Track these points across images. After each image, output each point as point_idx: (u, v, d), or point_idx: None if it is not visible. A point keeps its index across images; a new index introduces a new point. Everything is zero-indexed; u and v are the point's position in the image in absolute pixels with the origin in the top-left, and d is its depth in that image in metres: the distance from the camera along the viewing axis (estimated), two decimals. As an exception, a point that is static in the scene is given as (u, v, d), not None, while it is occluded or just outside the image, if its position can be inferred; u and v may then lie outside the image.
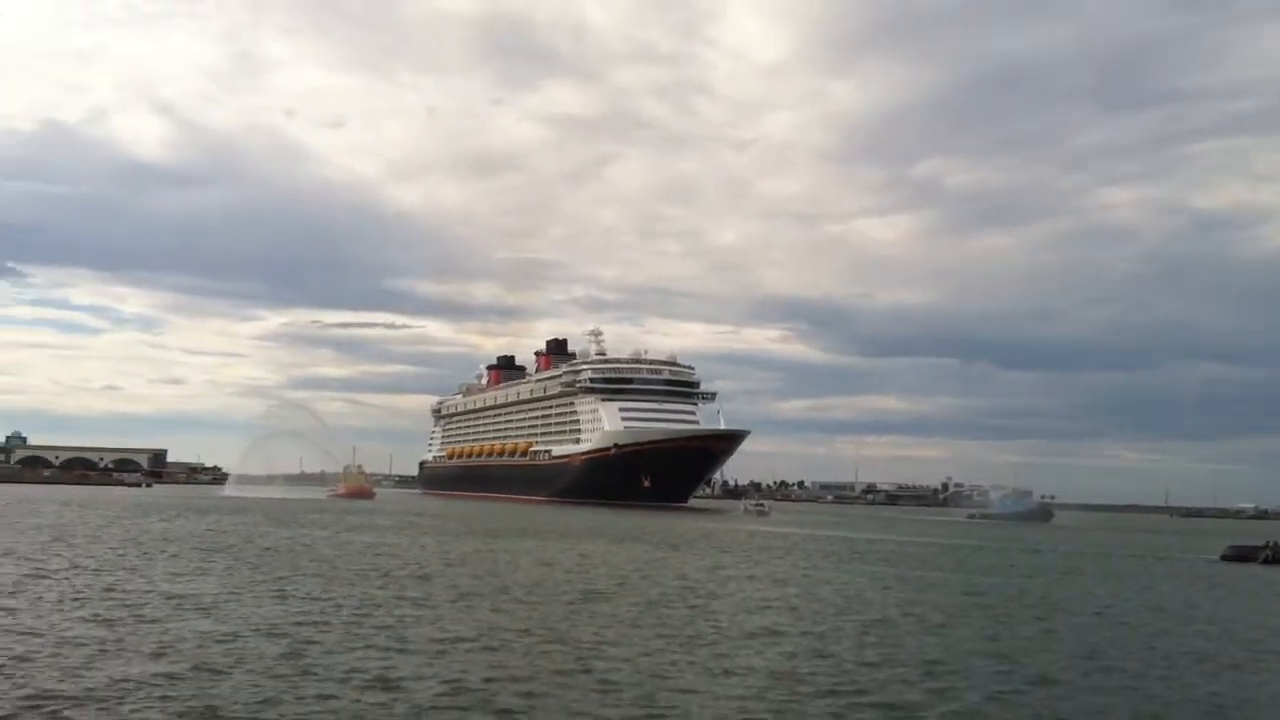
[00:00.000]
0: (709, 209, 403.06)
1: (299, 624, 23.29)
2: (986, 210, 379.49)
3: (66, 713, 14.58)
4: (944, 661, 21.32)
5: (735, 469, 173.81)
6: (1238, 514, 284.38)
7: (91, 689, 15.98)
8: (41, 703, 15.05)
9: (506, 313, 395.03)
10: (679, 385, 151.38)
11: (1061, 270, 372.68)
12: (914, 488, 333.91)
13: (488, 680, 17.77)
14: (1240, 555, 62.95)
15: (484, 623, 24.62)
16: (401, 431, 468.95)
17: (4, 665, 17.55)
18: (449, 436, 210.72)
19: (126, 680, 16.67)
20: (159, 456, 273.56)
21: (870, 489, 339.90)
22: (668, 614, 27.31)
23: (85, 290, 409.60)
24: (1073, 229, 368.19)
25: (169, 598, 27.27)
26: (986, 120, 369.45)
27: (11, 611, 23.91)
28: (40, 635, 20.82)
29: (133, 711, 14.72)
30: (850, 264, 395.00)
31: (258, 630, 22.20)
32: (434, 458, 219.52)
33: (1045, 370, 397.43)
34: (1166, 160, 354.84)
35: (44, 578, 31.53)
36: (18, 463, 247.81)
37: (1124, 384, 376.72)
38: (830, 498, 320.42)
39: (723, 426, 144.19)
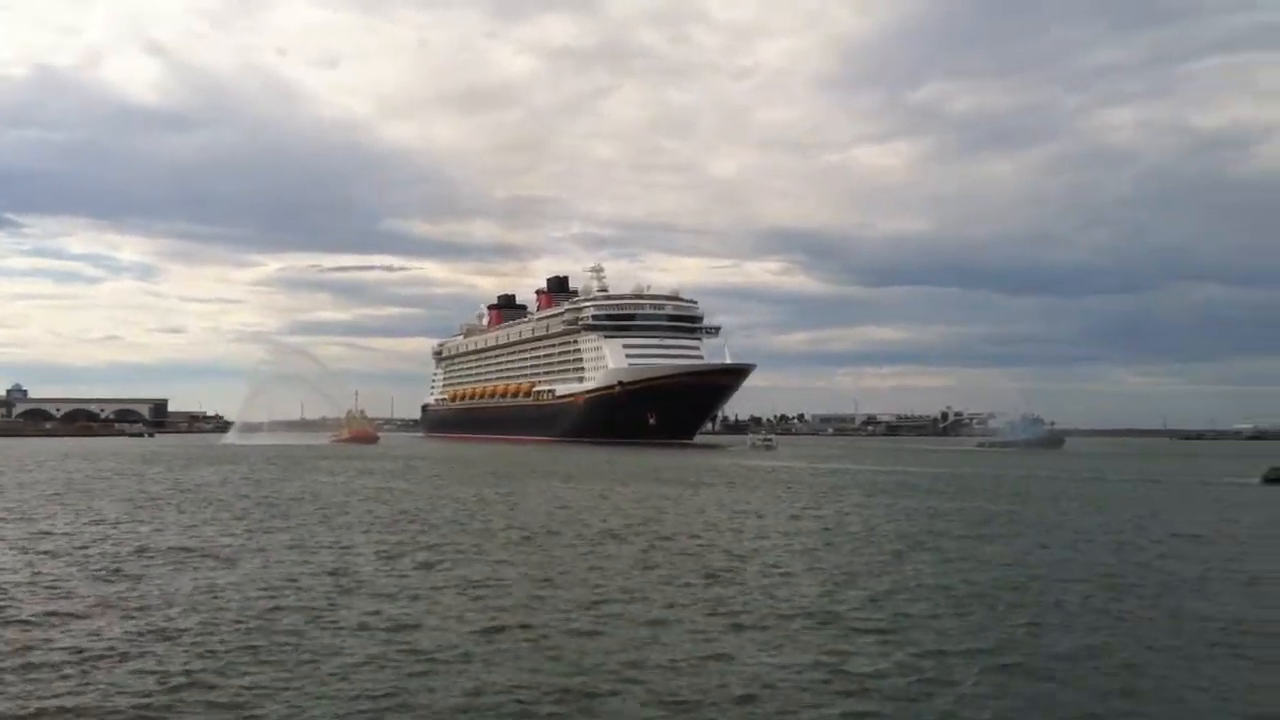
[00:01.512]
0: (707, 141, 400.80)
1: (317, 574, 22.39)
2: (987, 134, 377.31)
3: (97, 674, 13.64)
4: (963, 592, 20.44)
5: (735, 404, 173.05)
6: (1235, 435, 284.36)
7: (112, 647, 15.08)
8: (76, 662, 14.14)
9: (505, 252, 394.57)
10: (682, 320, 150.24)
11: (1062, 194, 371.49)
12: (914, 418, 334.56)
13: (501, 628, 16.87)
14: None
15: (501, 566, 23.71)
16: (403, 375, 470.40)
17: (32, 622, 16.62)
18: (450, 378, 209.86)
19: (145, 635, 15.77)
20: (160, 406, 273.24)
21: (870, 420, 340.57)
22: (688, 555, 26.39)
23: (81, 239, 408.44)
24: (1073, 151, 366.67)
25: (183, 550, 26.35)
26: (989, 41, 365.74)
27: (34, 570, 22.98)
28: (72, 595, 19.85)
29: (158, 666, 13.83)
30: (850, 193, 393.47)
31: (287, 580, 21.29)
32: (436, 400, 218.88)
33: (1045, 295, 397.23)
34: (1168, 78, 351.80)
35: (60, 534, 30.64)
36: (19, 416, 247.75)
37: (1124, 308, 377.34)
38: (830, 430, 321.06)
39: (728, 361, 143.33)
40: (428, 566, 23.91)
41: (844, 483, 59.69)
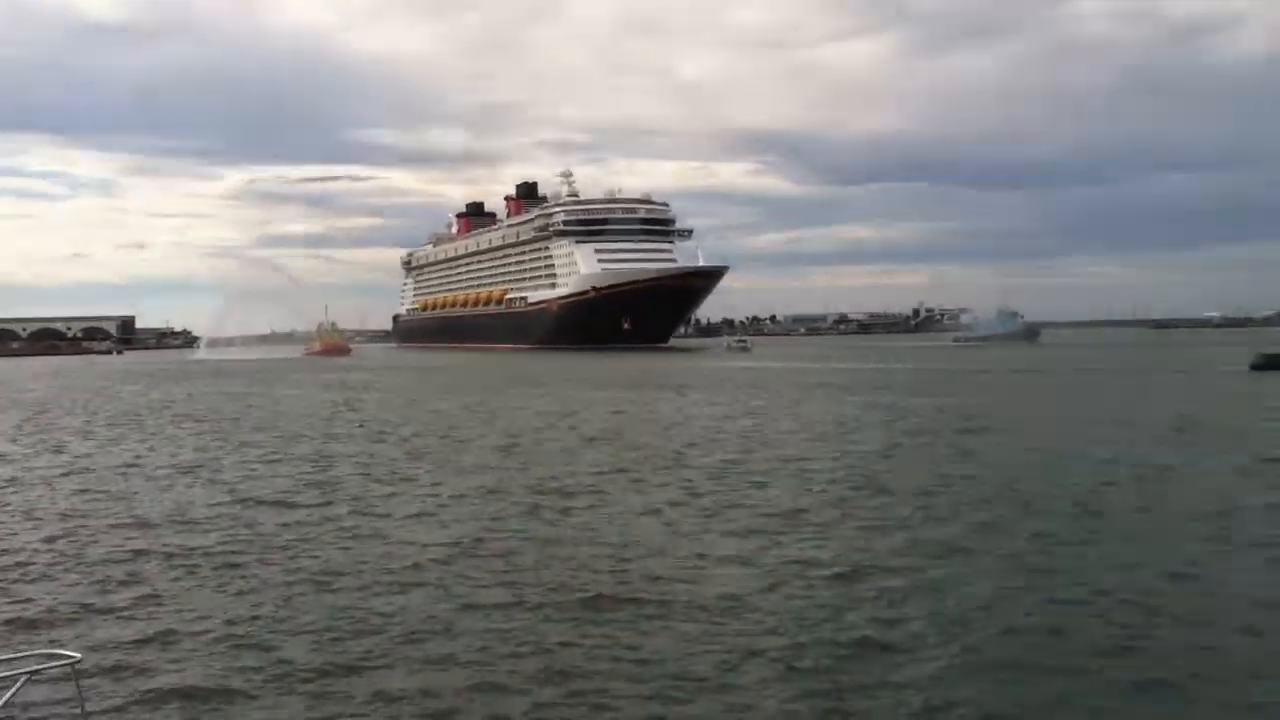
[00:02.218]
0: (677, 42, 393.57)
1: (302, 487, 22.08)
2: (958, 29, 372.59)
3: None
4: (943, 486, 20.37)
5: (707, 307, 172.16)
6: (1204, 323, 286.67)
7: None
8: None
9: (473, 159, 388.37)
10: (655, 224, 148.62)
11: (1035, 87, 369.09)
12: (886, 316, 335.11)
13: (480, 538, 16.65)
14: (1272, 363, 59.70)
15: (482, 474, 23.45)
16: (373, 286, 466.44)
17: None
18: (421, 288, 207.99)
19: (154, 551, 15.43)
20: (127, 323, 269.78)
21: (842, 319, 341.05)
22: (672, 456, 26.22)
23: (40, 156, 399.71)
24: (1046, 44, 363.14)
25: (170, 467, 25.98)
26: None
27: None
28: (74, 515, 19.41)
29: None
30: (821, 91, 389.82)
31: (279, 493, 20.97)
32: (407, 311, 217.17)
33: (1018, 190, 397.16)
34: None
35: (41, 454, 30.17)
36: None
37: (1095, 199, 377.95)
38: (803, 330, 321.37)
39: (702, 263, 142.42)
40: (409, 480, 23.62)
41: (820, 381, 59.71)
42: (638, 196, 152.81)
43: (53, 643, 10.87)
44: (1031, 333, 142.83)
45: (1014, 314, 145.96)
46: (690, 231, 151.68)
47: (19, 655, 6.50)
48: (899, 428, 32.50)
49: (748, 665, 10.40)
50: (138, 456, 28.58)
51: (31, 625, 12.20)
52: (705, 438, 30.44)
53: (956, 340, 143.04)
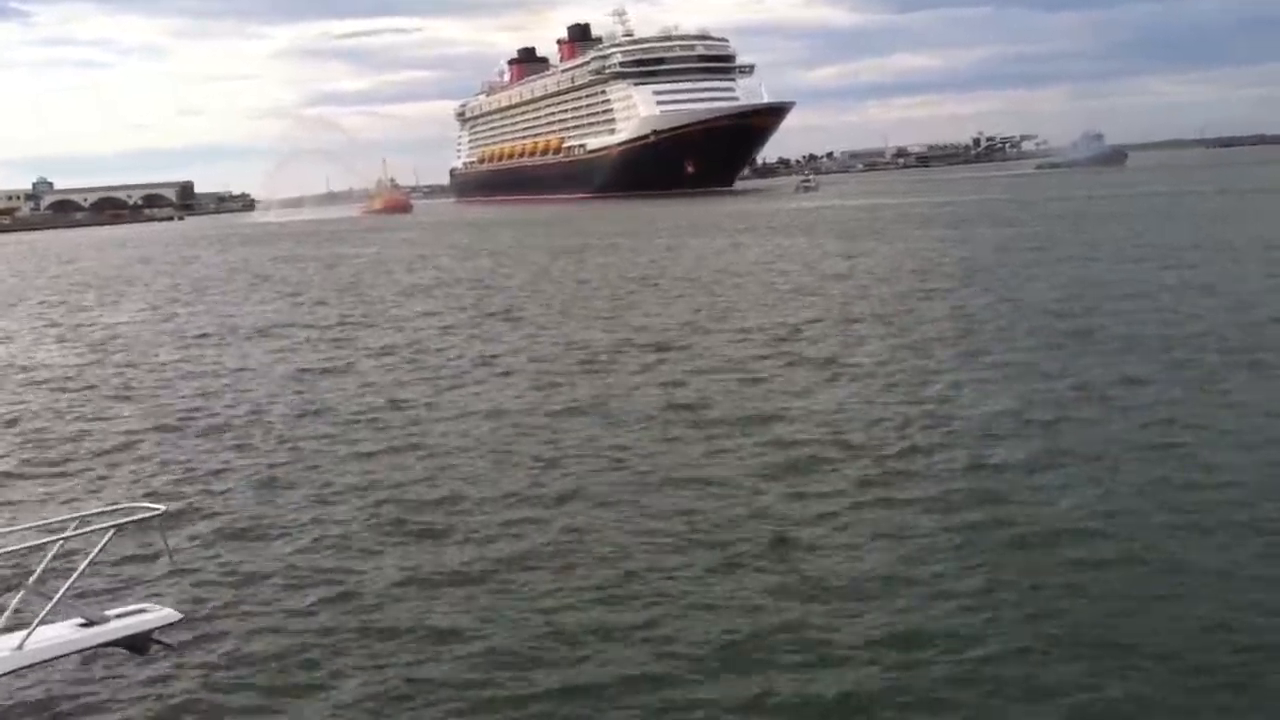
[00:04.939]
0: None
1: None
2: None
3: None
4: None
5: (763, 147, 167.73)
6: (1276, 140, 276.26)
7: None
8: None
9: (520, 4, 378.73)
10: (715, 61, 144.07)
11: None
12: (945, 147, 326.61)
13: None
14: None
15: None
16: (426, 141, 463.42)
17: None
18: (476, 140, 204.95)
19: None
20: (187, 189, 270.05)
21: (900, 153, 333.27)
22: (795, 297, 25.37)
23: (90, 25, 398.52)
24: None
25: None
26: None
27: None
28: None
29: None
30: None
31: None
32: (464, 164, 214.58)
33: (1082, 9, 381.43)
34: None
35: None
36: (48, 208, 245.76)
37: (1161, 15, 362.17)
38: (860, 167, 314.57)
39: (766, 100, 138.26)
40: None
41: (904, 217, 58.11)
42: (695, 33, 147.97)
43: (140, 496, 11.20)
44: (1118, 156, 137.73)
45: (1098, 136, 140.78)
46: (752, 68, 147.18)
47: (106, 509, 6.59)
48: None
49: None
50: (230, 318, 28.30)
51: (122, 479, 12.87)
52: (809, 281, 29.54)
53: (1039, 167, 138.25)
